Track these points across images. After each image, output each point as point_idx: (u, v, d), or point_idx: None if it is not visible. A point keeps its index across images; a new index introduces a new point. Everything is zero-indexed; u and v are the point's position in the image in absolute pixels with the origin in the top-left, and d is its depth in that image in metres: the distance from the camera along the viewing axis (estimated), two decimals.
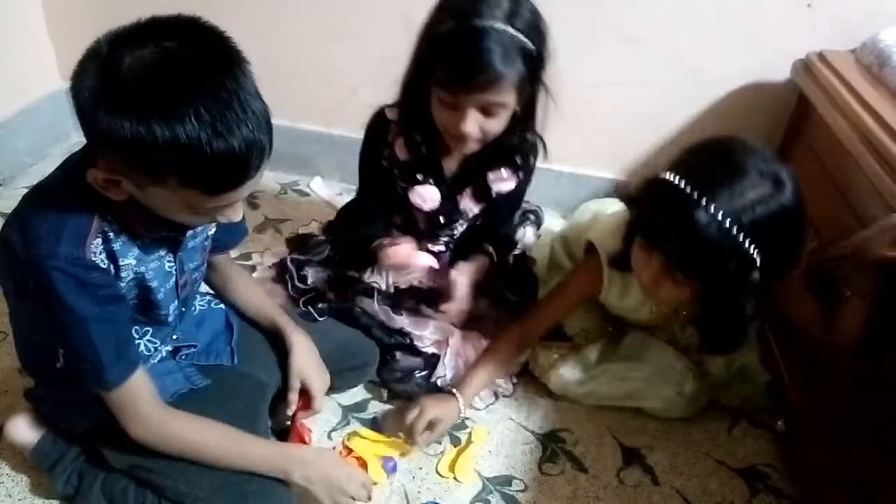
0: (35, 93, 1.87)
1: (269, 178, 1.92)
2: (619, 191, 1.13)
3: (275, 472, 0.95)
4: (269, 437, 1.08)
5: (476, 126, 1.10)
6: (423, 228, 1.36)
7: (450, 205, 1.30)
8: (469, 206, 1.31)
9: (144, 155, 0.70)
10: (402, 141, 1.24)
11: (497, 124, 1.12)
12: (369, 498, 1.01)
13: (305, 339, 1.12)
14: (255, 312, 1.15)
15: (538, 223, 1.60)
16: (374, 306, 1.31)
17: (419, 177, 1.26)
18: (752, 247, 0.91)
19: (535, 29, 1.08)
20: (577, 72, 1.66)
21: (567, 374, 1.30)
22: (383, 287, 1.34)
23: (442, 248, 1.39)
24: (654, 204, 0.99)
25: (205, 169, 0.71)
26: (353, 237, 1.36)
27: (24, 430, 1.05)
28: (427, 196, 1.28)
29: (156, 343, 0.98)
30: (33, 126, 1.88)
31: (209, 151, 0.69)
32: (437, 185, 1.28)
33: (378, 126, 1.26)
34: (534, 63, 1.09)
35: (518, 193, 1.34)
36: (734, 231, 0.90)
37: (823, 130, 1.22)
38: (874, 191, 1.07)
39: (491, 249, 1.34)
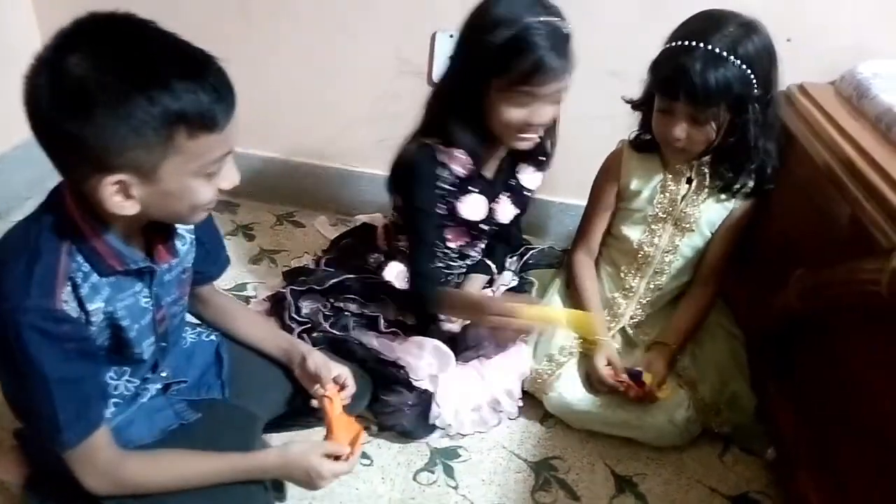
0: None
1: (264, 210, 1.95)
2: (626, 100, 1.34)
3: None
4: None
5: (550, 115, 1.21)
6: (465, 243, 1.38)
7: (488, 212, 1.35)
8: (505, 212, 1.36)
9: (150, 129, 0.72)
10: (457, 157, 1.25)
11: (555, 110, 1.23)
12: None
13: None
14: (261, 339, 1.14)
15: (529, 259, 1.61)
16: (374, 341, 1.32)
17: (471, 188, 1.29)
18: (747, 69, 1.16)
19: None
20: (577, 106, 1.68)
21: (566, 394, 1.31)
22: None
23: (477, 255, 1.45)
24: (664, 68, 1.21)
25: (203, 104, 0.74)
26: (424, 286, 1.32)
27: (13, 468, 1.04)
28: (477, 205, 1.32)
29: (135, 382, 0.95)
30: (30, 161, 1.86)
31: (202, 86, 0.73)
32: (482, 194, 1.32)
33: (426, 159, 1.24)
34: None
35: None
36: (732, 58, 1.15)
37: (805, 161, 1.24)
38: (856, 219, 1.09)
39: (493, 266, 1.45)
